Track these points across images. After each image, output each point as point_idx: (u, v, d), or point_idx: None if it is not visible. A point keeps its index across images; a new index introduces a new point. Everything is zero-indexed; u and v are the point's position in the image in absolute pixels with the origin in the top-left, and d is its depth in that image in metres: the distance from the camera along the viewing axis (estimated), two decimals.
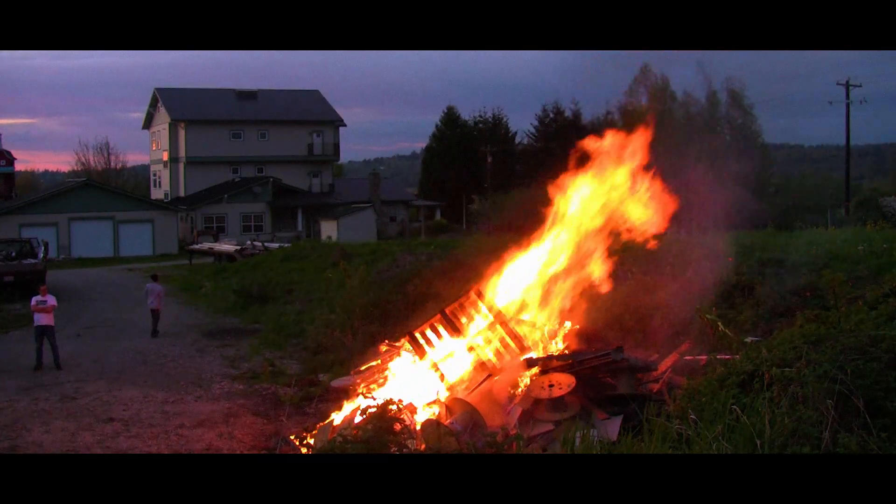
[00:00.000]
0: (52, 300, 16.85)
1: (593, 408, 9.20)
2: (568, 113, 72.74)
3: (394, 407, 8.48)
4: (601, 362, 9.57)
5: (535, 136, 73.95)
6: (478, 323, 10.55)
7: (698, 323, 11.52)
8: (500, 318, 10.41)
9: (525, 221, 11.33)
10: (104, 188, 53.69)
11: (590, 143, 10.77)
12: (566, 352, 10.55)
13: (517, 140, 76.16)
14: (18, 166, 66.06)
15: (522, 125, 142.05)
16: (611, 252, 10.88)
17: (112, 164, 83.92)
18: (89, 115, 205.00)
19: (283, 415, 12.27)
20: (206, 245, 43.61)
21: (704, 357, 10.11)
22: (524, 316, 11.03)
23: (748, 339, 10.26)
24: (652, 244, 10.89)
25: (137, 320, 22.16)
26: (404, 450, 8.19)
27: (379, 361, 11.99)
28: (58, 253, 44.73)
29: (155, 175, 71.68)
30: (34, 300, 16.81)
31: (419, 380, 10.42)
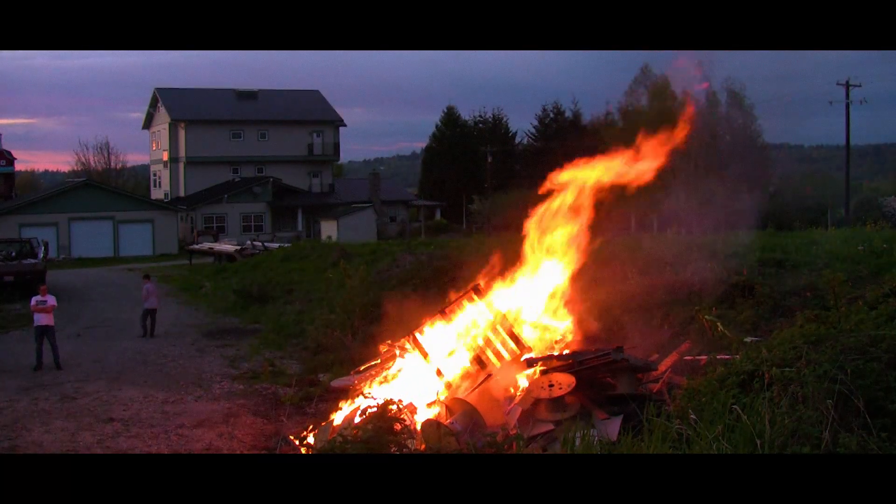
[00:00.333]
0: (52, 300, 16.86)
1: (593, 408, 9.19)
2: (568, 113, 72.86)
3: (394, 407, 8.49)
4: (601, 362, 9.57)
5: (535, 136, 73.99)
6: (478, 322, 10.55)
7: (698, 323, 11.53)
8: (500, 318, 10.41)
9: (524, 221, 11.33)
10: (104, 188, 53.69)
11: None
12: (566, 352, 10.55)
13: (517, 140, 76.23)
14: (18, 166, 66.10)
15: (522, 125, 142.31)
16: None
17: (112, 164, 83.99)
18: (89, 115, 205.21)
19: (283, 415, 12.28)
20: (206, 245, 43.61)
21: (704, 357, 10.11)
22: (524, 315, 11.04)
23: (748, 339, 10.26)
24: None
25: (137, 320, 22.14)
26: (404, 450, 8.19)
27: (379, 361, 12.00)
28: (58, 253, 44.73)
29: (155, 175, 71.68)
30: (34, 300, 16.82)
31: (419, 380, 10.42)
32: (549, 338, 11.03)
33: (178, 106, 63.96)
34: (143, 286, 20.95)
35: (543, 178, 10.97)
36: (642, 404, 8.34)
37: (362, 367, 12.37)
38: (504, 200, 49.06)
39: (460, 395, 9.85)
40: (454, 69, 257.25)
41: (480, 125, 75.71)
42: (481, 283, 11.01)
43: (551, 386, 9.31)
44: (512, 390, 10.07)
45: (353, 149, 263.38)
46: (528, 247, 11.24)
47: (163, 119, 65.82)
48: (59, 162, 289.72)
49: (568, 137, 65.16)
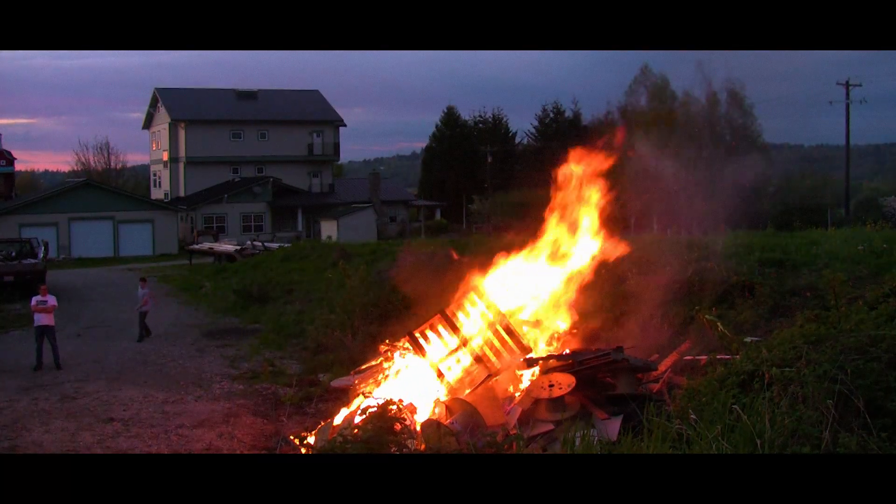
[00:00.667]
0: (52, 300, 16.86)
1: (593, 408, 9.19)
2: (568, 113, 72.88)
3: (394, 407, 8.48)
4: (601, 362, 9.57)
5: (535, 136, 74.00)
6: (478, 323, 10.55)
7: (698, 323, 11.53)
8: (499, 318, 10.41)
9: (524, 221, 11.35)
10: (104, 188, 53.69)
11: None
12: (566, 352, 10.55)
13: (517, 140, 76.24)
14: (18, 166, 66.10)
15: (522, 125, 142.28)
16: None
17: (112, 164, 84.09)
18: (89, 115, 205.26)
19: (283, 415, 12.28)
20: (206, 245, 43.61)
21: (704, 357, 10.11)
22: (524, 315, 11.04)
23: (748, 339, 10.26)
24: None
25: (137, 320, 22.15)
26: (404, 450, 8.19)
27: (379, 361, 11.99)
28: (58, 253, 44.73)
29: (155, 175, 71.69)
30: (34, 300, 16.82)
31: (419, 380, 10.41)
32: (549, 337, 11.03)
33: (178, 106, 63.97)
34: (139, 290, 20.26)
35: (543, 178, 10.99)
36: (642, 404, 8.34)
37: (362, 367, 12.36)
38: (504, 200, 49.07)
39: (460, 395, 9.85)
40: (454, 69, 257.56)
41: (480, 125, 75.74)
42: (481, 283, 11.01)
43: (551, 386, 9.31)
44: (512, 390, 10.07)
45: (353, 149, 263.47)
46: (529, 246, 11.24)
47: (163, 119, 65.83)
48: (59, 162, 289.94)
49: (568, 137, 65.22)
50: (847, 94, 46.85)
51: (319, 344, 16.73)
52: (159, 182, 69.70)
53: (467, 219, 65.73)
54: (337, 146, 67.67)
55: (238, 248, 39.03)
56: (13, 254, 29.51)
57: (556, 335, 11.11)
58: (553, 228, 11.19)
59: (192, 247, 44.18)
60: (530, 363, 10.09)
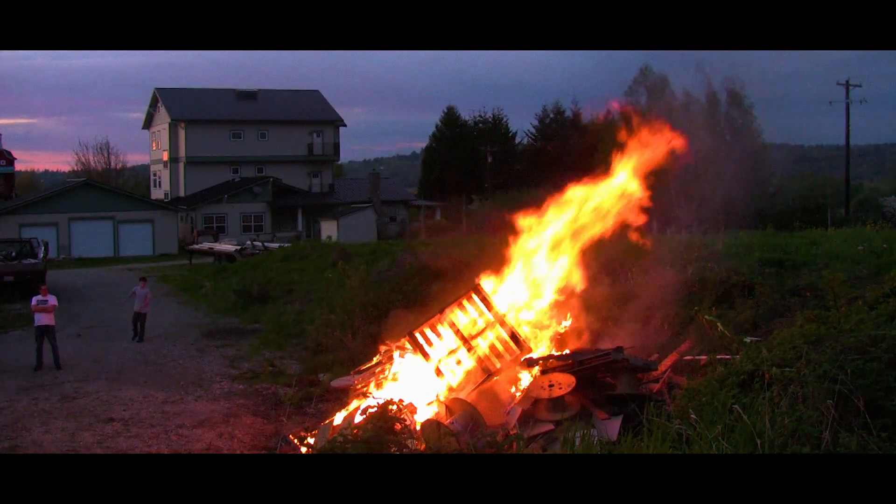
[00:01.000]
0: (52, 300, 16.86)
1: (593, 408, 9.19)
2: (568, 113, 72.88)
3: (394, 407, 8.48)
4: (601, 362, 9.57)
5: (535, 136, 73.99)
6: (478, 322, 10.55)
7: (698, 323, 11.53)
8: (499, 318, 10.41)
9: (523, 222, 11.34)
10: (104, 188, 53.68)
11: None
12: (566, 352, 10.55)
13: (517, 140, 76.23)
14: (18, 166, 66.13)
15: (522, 125, 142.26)
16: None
17: (112, 164, 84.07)
18: (89, 115, 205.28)
19: (283, 415, 12.28)
20: (206, 245, 43.62)
21: (704, 357, 10.11)
22: (524, 315, 11.04)
23: (748, 339, 10.26)
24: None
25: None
26: (404, 450, 8.19)
27: (379, 361, 11.99)
28: (58, 253, 44.72)
29: (155, 175, 71.68)
30: (35, 300, 16.82)
31: (419, 380, 10.41)
32: (549, 337, 11.03)
33: (178, 106, 63.97)
34: (137, 289, 20.01)
35: (543, 178, 11.00)
36: (642, 404, 8.34)
37: (362, 367, 12.36)
38: (504, 200, 49.04)
39: (460, 395, 9.85)
40: (454, 69, 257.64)
41: (480, 125, 75.70)
42: (481, 282, 11.01)
43: (551, 386, 9.31)
44: (512, 390, 10.07)
45: (353, 149, 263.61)
46: (529, 246, 11.23)
47: (163, 119, 65.82)
48: (59, 162, 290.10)
49: (568, 137, 65.21)
50: (847, 94, 46.87)
51: (319, 344, 16.73)
52: (159, 182, 69.69)
53: (467, 219, 65.71)
54: (337, 146, 67.66)
55: (238, 248, 39.03)
56: (13, 254, 29.51)
57: (556, 335, 11.11)
58: (552, 226, 11.18)
59: (192, 247, 44.18)
60: (530, 363, 10.09)
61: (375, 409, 8.45)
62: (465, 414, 9.40)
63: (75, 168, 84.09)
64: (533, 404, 9.38)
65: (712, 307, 12.17)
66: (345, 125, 68.51)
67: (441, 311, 10.69)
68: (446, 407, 9.75)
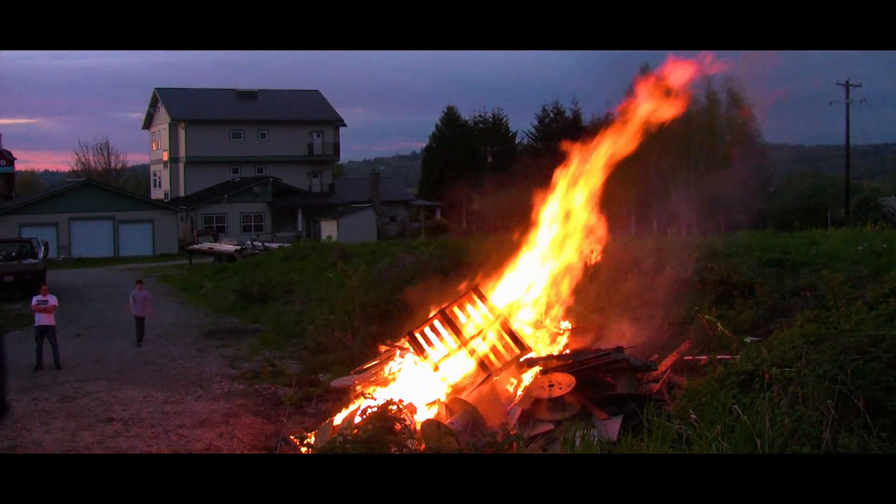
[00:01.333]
0: (53, 300, 16.86)
1: (593, 408, 9.19)
2: (568, 113, 72.81)
3: (394, 407, 8.48)
4: (601, 362, 9.57)
5: (535, 136, 73.95)
6: (478, 323, 10.55)
7: (698, 323, 11.53)
8: (499, 318, 10.41)
9: (522, 221, 11.35)
10: (104, 188, 53.69)
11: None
12: (566, 352, 10.55)
13: (517, 140, 76.19)
14: (18, 166, 66.13)
15: (522, 125, 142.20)
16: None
17: (112, 164, 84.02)
18: (89, 115, 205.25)
19: (283, 415, 12.28)
20: (206, 245, 43.62)
21: (704, 357, 10.11)
22: (524, 315, 11.04)
23: (748, 339, 10.26)
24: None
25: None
26: (404, 450, 8.19)
27: (379, 361, 11.99)
28: (58, 253, 44.73)
29: (155, 175, 71.69)
30: (35, 300, 16.82)
31: (419, 380, 10.42)
32: (549, 337, 11.03)
33: (178, 106, 63.99)
34: (135, 293, 19.42)
35: (543, 178, 11.01)
36: (642, 404, 8.34)
37: (362, 367, 12.36)
38: (504, 200, 49.01)
39: (460, 395, 9.85)
40: (454, 69, 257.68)
41: (480, 125, 75.67)
42: (481, 282, 11.01)
43: (551, 386, 9.31)
44: (512, 390, 10.07)
45: (353, 149, 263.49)
46: (529, 246, 11.24)
47: (163, 119, 65.83)
48: (59, 162, 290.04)
49: (568, 137, 65.09)
50: (847, 94, 46.87)
51: (319, 344, 16.73)
52: (159, 182, 69.70)
53: (467, 219, 65.69)
54: (337, 146, 67.67)
55: (238, 248, 39.03)
56: (13, 254, 29.51)
57: (556, 335, 11.11)
58: (552, 226, 11.18)
59: (192, 247, 44.18)
60: (530, 363, 10.09)
61: (375, 409, 8.45)
62: (465, 414, 9.40)
63: (75, 168, 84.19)
64: (533, 404, 9.38)
65: (712, 307, 12.17)
66: (345, 125, 68.58)
67: (441, 311, 10.69)
68: (446, 407, 9.75)
